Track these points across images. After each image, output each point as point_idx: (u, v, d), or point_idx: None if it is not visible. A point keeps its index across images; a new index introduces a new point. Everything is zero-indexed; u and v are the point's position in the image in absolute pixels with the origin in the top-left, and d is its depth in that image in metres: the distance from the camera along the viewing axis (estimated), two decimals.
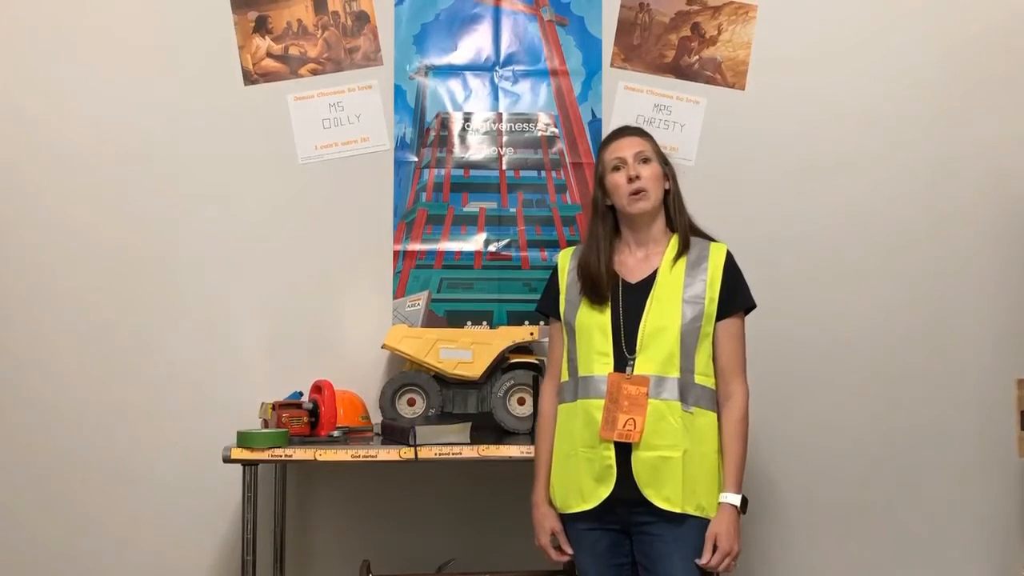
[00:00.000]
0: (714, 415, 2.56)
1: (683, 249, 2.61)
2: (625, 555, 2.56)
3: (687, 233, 2.64)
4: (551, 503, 2.63)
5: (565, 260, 2.72)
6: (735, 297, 2.60)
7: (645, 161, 2.63)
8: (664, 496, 2.47)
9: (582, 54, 3.41)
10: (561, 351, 2.68)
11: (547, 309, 2.74)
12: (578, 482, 2.55)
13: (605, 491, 2.50)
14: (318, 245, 3.35)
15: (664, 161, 2.67)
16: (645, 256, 2.64)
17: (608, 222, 2.67)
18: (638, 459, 2.48)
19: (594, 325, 2.58)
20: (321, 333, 3.32)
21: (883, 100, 3.43)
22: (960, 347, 3.40)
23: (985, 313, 3.41)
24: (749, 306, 2.65)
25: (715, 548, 2.48)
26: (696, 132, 3.39)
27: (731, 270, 2.61)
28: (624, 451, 2.50)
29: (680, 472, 2.48)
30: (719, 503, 2.51)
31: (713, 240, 2.67)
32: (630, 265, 2.64)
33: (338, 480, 3.31)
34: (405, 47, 3.39)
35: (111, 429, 3.29)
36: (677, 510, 2.48)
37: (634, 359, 2.53)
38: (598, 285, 2.59)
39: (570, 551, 2.60)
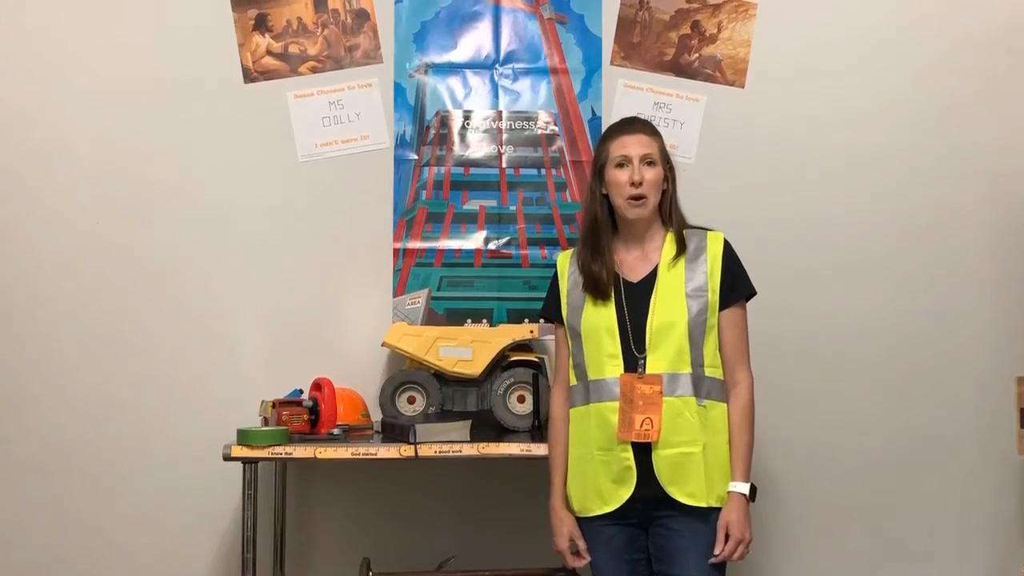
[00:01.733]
0: (725, 405, 2.55)
1: (680, 249, 2.60)
2: (641, 550, 2.56)
3: (681, 231, 2.62)
4: (568, 507, 2.62)
5: (564, 263, 2.71)
6: (736, 286, 2.60)
7: (650, 164, 2.60)
8: (688, 492, 2.48)
9: (582, 52, 3.41)
10: (567, 355, 2.66)
11: (550, 314, 2.73)
12: (596, 485, 2.54)
13: (626, 492, 2.50)
14: (318, 243, 3.34)
15: (667, 160, 2.65)
16: (643, 254, 2.63)
17: (605, 210, 2.64)
18: (659, 458, 2.48)
19: (600, 327, 2.56)
20: (321, 331, 3.32)
21: (883, 99, 3.42)
22: (960, 347, 3.40)
23: (985, 313, 3.40)
24: (750, 293, 2.64)
25: (727, 538, 2.47)
26: (696, 130, 3.38)
27: (730, 259, 2.61)
28: (641, 450, 2.49)
29: (703, 467, 2.48)
30: (728, 492, 2.50)
31: (708, 229, 2.66)
32: (629, 263, 2.63)
33: (338, 478, 3.31)
34: (405, 45, 3.39)
35: (111, 429, 3.28)
36: (703, 504, 2.48)
37: (644, 358, 2.52)
38: (599, 280, 2.58)
39: (588, 557, 2.59)
